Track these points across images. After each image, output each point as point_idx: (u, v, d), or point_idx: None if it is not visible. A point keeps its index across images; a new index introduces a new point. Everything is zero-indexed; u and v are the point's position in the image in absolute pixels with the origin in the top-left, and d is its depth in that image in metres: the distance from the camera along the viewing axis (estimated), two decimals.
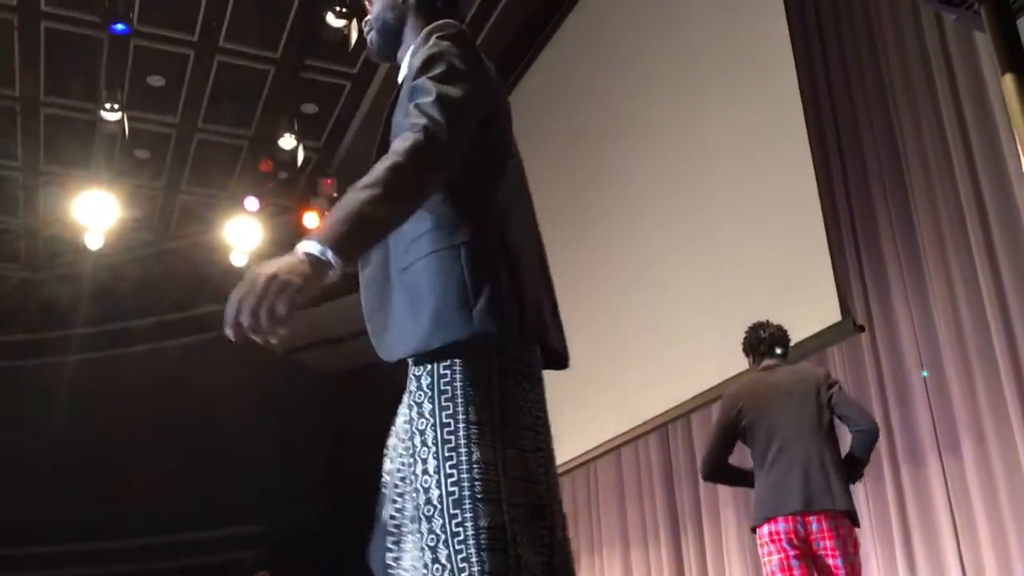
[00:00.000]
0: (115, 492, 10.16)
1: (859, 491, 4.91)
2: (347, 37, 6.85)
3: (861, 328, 4.57)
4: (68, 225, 9.13)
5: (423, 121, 1.69)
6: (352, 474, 5.76)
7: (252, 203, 8.87)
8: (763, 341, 4.01)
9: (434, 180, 1.70)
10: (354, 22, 6.83)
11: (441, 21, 1.94)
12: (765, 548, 3.67)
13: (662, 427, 6.10)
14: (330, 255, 1.56)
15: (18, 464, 10.05)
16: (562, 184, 7.09)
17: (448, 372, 1.74)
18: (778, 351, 4.01)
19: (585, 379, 6.62)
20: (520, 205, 1.94)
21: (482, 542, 1.62)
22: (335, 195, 8.98)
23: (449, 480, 1.66)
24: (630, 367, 6.20)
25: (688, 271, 5.72)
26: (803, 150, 4.83)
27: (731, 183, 5.41)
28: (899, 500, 4.68)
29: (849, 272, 4.92)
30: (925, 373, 4.53)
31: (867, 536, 4.83)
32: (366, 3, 2.15)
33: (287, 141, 8.15)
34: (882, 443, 4.77)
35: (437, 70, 1.78)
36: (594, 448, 6.50)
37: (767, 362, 3.98)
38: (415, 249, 1.80)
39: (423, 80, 1.77)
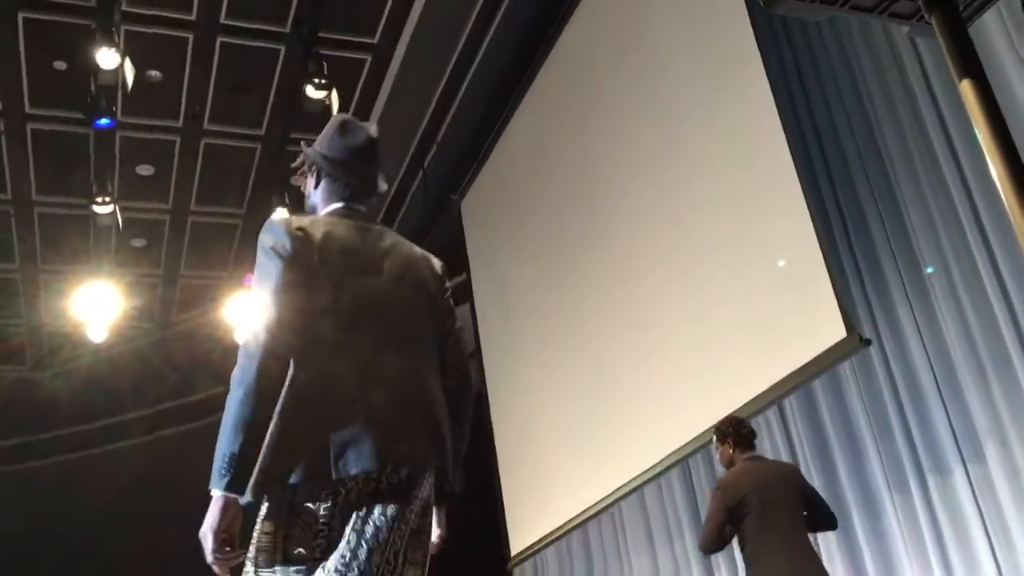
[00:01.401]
0: None
1: (887, 504, 4.87)
2: (328, 107, 6.93)
3: (868, 342, 4.55)
4: (70, 321, 9.16)
5: (240, 361, 1.98)
6: None
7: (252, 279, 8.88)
8: (744, 436, 4.38)
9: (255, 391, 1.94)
10: (334, 92, 6.92)
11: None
12: None
13: (683, 461, 6.04)
14: (221, 493, 1.84)
15: (14, 562, 9.92)
16: (552, 235, 7.12)
17: (263, 509, 1.95)
18: (754, 444, 4.43)
19: (601, 420, 6.59)
20: (349, 334, 2.11)
21: None
22: None
23: None
24: (644, 404, 6.16)
25: (689, 303, 5.71)
26: (790, 173, 4.84)
27: (723, 216, 5.41)
28: (928, 510, 4.62)
29: (850, 287, 4.92)
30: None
31: (900, 548, 4.78)
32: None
33: (280, 214, 8.21)
34: (905, 455, 4.74)
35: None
36: (617, 489, 6.43)
37: (751, 453, 4.36)
38: None
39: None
